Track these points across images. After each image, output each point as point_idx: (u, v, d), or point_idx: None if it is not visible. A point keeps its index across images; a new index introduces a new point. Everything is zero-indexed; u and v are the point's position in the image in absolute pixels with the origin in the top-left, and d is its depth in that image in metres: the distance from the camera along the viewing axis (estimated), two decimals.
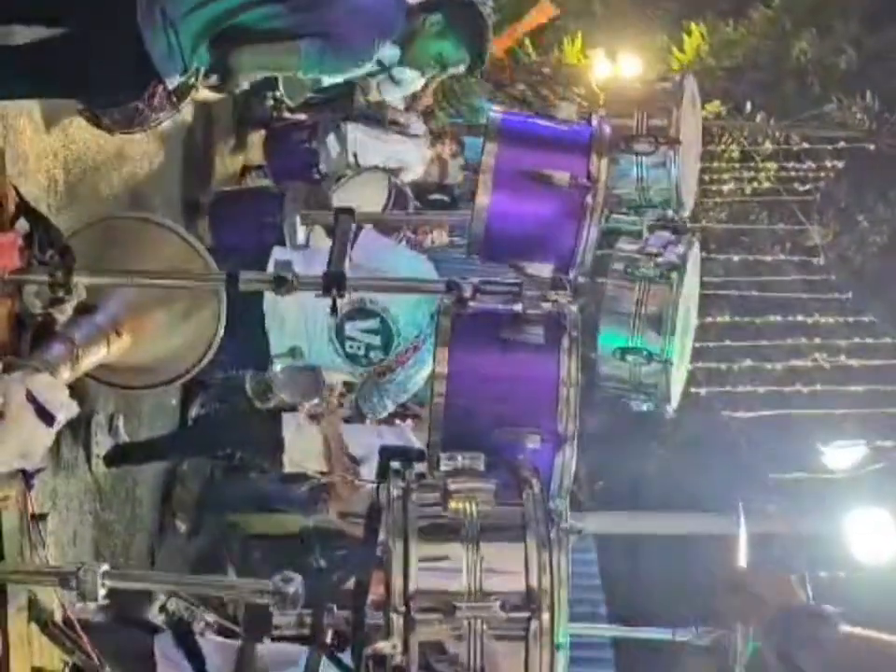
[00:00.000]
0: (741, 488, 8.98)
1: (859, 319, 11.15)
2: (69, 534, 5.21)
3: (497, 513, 2.06)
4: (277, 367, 5.46)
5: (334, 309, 2.45)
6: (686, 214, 2.85)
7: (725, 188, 12.52)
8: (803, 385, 10.76)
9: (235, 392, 6.86)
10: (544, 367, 2.40)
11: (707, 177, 12.34)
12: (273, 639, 2.81)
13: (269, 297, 4.16)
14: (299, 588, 2.14)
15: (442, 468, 2.11)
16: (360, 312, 4.11)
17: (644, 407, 2.90)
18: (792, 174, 12.52)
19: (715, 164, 12.56)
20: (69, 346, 2.56)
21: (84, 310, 2.63)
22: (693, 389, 11.12)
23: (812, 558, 9.33)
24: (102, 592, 2.16)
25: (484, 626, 1.96)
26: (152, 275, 2.61)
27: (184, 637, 3.91)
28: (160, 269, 2.74)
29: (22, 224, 2.50)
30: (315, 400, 5.92)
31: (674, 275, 2.71)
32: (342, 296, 2.42)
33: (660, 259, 2.73)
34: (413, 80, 6.60)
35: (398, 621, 1.91)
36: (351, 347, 4.22)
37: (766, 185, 12.61)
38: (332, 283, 2.41)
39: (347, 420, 6.28)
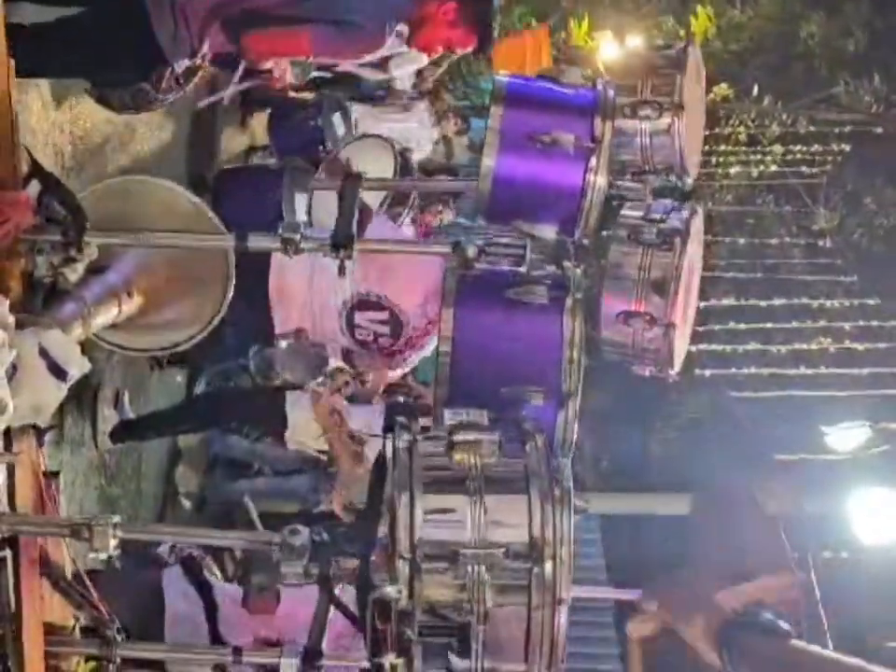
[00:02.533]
0: (745, 469, 9.02)
1: (864, 302, 11.17)
2: (75, 508, 5.26)
3: (500, 465, 2.09)
4: (282, 344, 5.51)
5: (342, 270, 2.49)
6: (690, 181, 2.88)
7: (732, 170, 12.53)
8: (807, 367, 10.79)
9: (240, 372, 6.93)
10: (547, 327, 2.44)
11: (713, 160, 12.36)
12: None
13: (274, 282, 4.22)
14: (305, 541, 2.18)
15: (447, 422, 2.15)
16: (368, 303, 4.16)
17: (646, 372, 2.93)
18: (799, 157, 12.53)
19: (722, 147, 12.58)
20: (81, 305, 2.61)
21: (95, 270, 2.67)
22: (697, 371, 11.17)
23: (816, 539, 9.37)
24: (113, 543, 2.21)
25: (488, 576, 2.00)
26: (162, 235, 2.65)
27: (192, 569, 3.96)
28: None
29: (34, 186, 2.54)
30: (319, 380, 5.96)
31: (677, 241, 2.74)
32: (349, 256, 2.46)
33: (663, 226, 2.76)
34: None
35: (403, 567, 1.95)
36: (360, 334, 4.28)
37: (773, 168, 12.63)
38: (340, 243, 2.45)
39: (350, 399, 6.31)
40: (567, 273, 2.49)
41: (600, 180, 2.45)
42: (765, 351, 11.02)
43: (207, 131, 7.38)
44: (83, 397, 5.57)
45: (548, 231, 2.45)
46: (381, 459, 2.20)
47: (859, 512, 8.85)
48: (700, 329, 11.01)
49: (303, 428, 6.16)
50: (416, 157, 8.53)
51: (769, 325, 11.12)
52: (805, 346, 10.95)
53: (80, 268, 2.39)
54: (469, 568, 1.98)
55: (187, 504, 7.24)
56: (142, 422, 6.10)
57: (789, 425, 10.23)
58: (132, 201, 2.91)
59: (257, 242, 2.51)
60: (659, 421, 12.18)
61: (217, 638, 3.32)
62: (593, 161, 2.42)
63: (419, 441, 2.09)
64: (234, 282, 3.26)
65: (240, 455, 7.45)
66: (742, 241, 12.01)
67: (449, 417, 2.15)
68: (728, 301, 11.31)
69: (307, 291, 4.27)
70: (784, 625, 1.83)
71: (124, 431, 5.89)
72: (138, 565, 4.53)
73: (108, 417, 5.83)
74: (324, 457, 6.65)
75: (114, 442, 5.86)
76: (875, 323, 10.95)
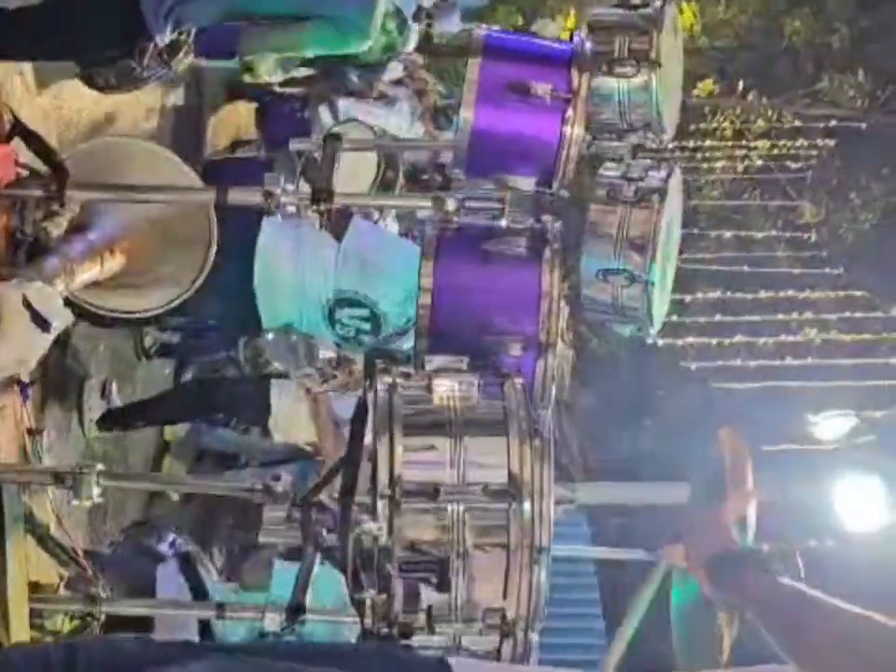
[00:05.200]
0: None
1: (850, 294, 11.21)
2: (61, 496, 5.25)
3: (479, 407, 2.11)
4: (269, 336, 5.53)
5: (323, 224, 2.50)
6: (667, 138, 2.91)
7: (717, 165, 12.57)
8: (794, 358, 10.83)
9: (227, 363, 6.94)
10: (526, 278, 2.46)
11: (699, 155, 12.40)
12: None
13: (259, 275, 4.25)
14: (287, 487, 2.20)
15: (427, 367, 2.17)
16: (350, 301, 4.22)
17: (627, 331, 2.96)
18: (784, 152, 12.57)
19: (707, 142, 12.61)
20: (63, 260, 2.61)
21: (78, 228, 2.68)
22: (683, 363, 11.20)
23: (802, 527, 9.39)
24: (97, 491, 2.22)
25: (467, 516, 2.02)
26: (144, 191, 2.67)
27: (187, 566, 3.99)
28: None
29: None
30: (309, 371, 5.98)
31: (655, 199, 2.77)
32: (329, 210, 2.48)
33: (642, 184, 2.79)
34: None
35: (383, 505, 1.97)
36: (342, 330, 4.34)
37: (758, 163, 12.67)
38: (320, 197, 2.46)
39: (343, 388, 6.31)
40: (545, 225, 2.51)
41: (577, 131, 2.47)
42: (752, 343, 11.06)
43: (193, 124, 7.38)
44: (69, 386, 5.57)
45: (526, 184, 2.47)
46: (362, 404, 2.22)
47: (844, 501, 8.86)
48: (687, 321, 11.06)
49: (288, 417, 6.17)
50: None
51: (755, 317, 11.16)
52: (791, 338, 10.99)
53: (63, 223, 2.40)
54: (449, 507, 2.00)
55: (174, 496, 7.21)
56: (128, 410, 6.09)
57: (775, 416, 10.26)
58: (115, 162, 2.92)
59: (238, 196, 2.53)
60: (647, 416, 12.21)
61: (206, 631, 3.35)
62: (569, 111, 2.45)
63: (399, 384, 2.12)
64: (218, 278, 3.28)
65: (228, 448, 7.43)
66: (728, 235, 12.06)
67: (429, 363, 2.18)
68: (714, 295, 11.36)
69: (292, 285, 4.31)
70: (768, 557, 1.88)
71: (111, 420, 5.88)
72: (135, 554, 4.55)
73: (95, 406, 5.82)
74: (311, 448, 6.66)
75: (101, 431, 5.85)
76: (860, 314, 10.99)
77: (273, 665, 1.60)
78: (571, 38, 2.55)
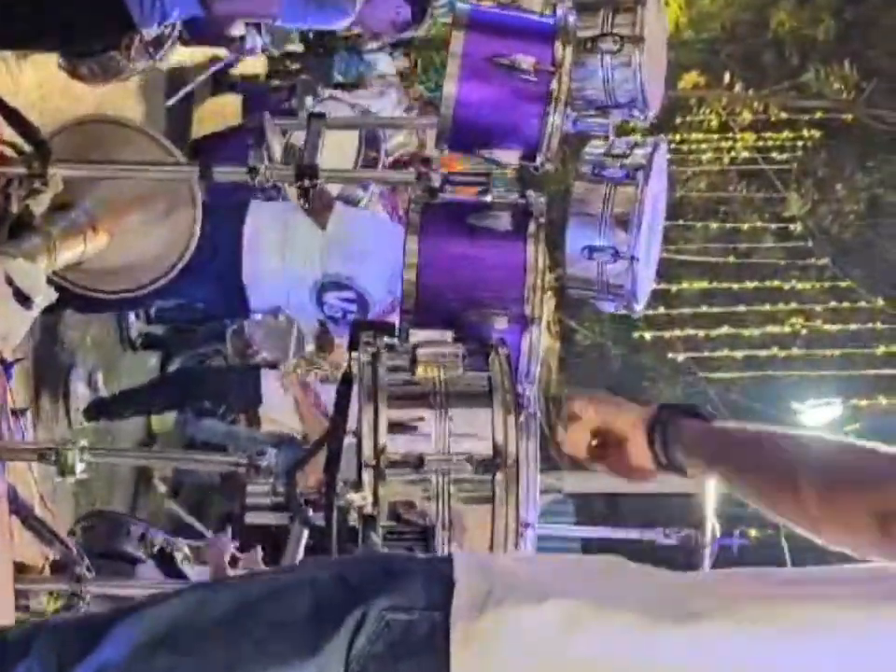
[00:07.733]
0: None
1: (835, 285, 11.24)
2: (48, 487, 5.23)
3: (464, 379, 2.11)
4: (257, 317, 5.52)
5: (307, 198, 2.50)
6: (652, 114, 2.91)
7: (703, 157, 12.57)
8: (779, 348, 10.86)
9: (214, 356, 6.93)
10: (511, 252, 2.46)
11: (685, 147, 12.41)
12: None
13: (247, 260, 4.26)
14: (272, 461, 2.20)
15: (411, 339, 2.17)
16: (337, 284, 4.23)
17: (612, 308, 2.96)
18: (770, 143, 12.58)
19: (693, 135, 12.62)
20: (46, 238, 2.60)
21: (62, 206, 2.67)
22: (670, 355, 11.22)
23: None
24: (80, 467, 2.21)
25: (452, 488, 2.02)
26: (127, 166, 2.66)
27: (165, 563, 3.96)
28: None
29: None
30: (295, 360, 5.97)
31: (640, 175, 2.78)
32: (314, 186, 2.48)
33: (626, 161, 2.80)
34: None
35: (367, 474, 1.96)
36: (329, 311, 4.35)
37: (744, 154, 12.67)
38: (304, 173, 2.46)
39: (325, 380, 6.31)
40: (529, 199, 2.51)
41: (561, 105, 2.47)
42: (738, 334, 11.08)
43: (179, 117, 7.35)
44: (56, 376, 5.56)
45: (511, 157, 2.47)
46: (346, 376, 2.22)
47: None
48: (673, 312, 11.08)
49: (278, 405, 6.16)
50: (390, 144, 8.54)
51: (742, 308, 11.18)
52: (777, 328, 11.02)
53: (45, 200, 2.39)
54: (433, 478, 2.00)
55: (161, 488, 7.20)
56: (115, 400, 6.07)
57: (761, 405, 10.29)
58: (98, 140, 2.91)
59: (222, 173, 2.53)
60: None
61: None
62: (553, 84, 2.44)
63: (383, 355, 2.11)
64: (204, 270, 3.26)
65: (214, 439, 7.41)
66: (714, 226, 12.08)
67: (413, 335, 2.18)
68: (701, 286, 11.39)
69: (280, 268, 4.32)
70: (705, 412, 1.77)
71: (97, 409, 5.87)
72: (111, 561, 4.51)
73: (81, 395, 5.81)
74: (298, 436, 6.64)
75: (87, 421, 5.83)
76: (845, 305, 11.02)
77: (254, 582, 1.58)
78: (554, 11, 2.55)
